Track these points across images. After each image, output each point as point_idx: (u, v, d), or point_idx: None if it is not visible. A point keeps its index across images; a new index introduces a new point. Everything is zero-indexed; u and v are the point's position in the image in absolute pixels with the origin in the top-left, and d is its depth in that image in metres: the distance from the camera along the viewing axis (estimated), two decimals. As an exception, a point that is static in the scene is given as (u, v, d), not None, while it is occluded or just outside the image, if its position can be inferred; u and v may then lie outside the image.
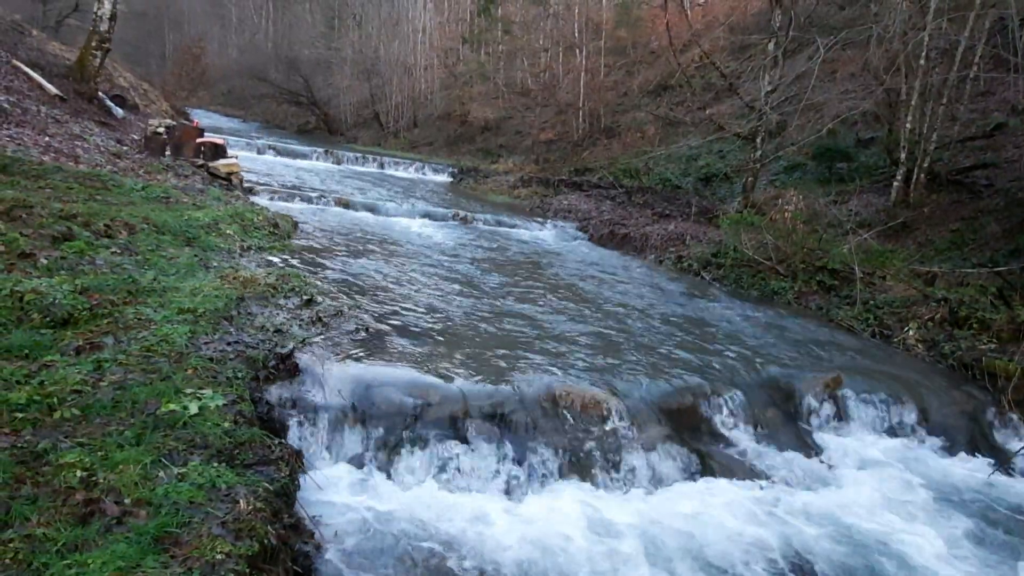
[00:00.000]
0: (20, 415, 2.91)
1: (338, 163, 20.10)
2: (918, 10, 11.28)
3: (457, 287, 7.29)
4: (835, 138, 13.72)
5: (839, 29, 12.82)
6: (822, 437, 5.43)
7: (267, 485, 2.94)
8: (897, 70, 11.29)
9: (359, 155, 21.48)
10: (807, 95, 11.79)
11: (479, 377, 4.61)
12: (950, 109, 11.18)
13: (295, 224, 8.83)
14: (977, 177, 11.08)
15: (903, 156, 11.27)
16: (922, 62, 10.83)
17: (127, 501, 2.53)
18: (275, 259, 6.80)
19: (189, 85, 41.78)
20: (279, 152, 19.48)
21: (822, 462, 5.06)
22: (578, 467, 4.28)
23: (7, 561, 2.14)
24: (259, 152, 18.83)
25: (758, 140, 12.81)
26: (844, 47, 13.29)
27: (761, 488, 4.52)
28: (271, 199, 11.07)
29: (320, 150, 20.74)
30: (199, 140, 11.18)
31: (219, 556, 2.36)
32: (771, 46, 12.69)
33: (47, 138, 8.95)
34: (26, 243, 4.81)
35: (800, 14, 14.80)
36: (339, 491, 3.63)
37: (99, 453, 2.77)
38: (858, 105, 12.70)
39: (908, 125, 11.07)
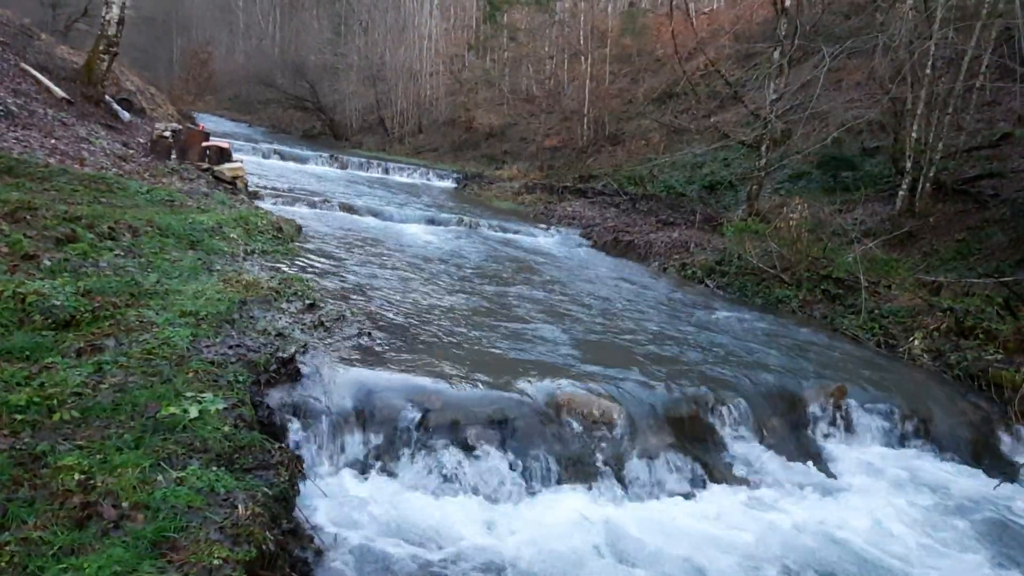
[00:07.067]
0: (20, 417, 2.90)
1: (343, 168, 20.16)
2: (924, 19, 11.27)
3: (460, 293, 7.27)
4: (840, 147, 13.70)
5: (845, 38, 12.82)
6: (826, 447, 5.38)
7: (266, 490, 2.91)
8: (903, 79, 11.28)
9: (364, 160, 21.53)
10: (812, 104, 11.78)
11: (481, 383, 4.59)
12: (956, 119, 11.16)
13: (299, 228, 8.83)
14: (983, 187, 11.04)
15: (908, 165, 11.25)
16: (928, 71, 10.82)
17: (125, 505, 2.51)
18: (278, 263, 6.80)
19: (196, 89, 42.06)
20: (284, 156, 19.54)
21: (826, 472, 5.02)
22: (580, 474, 4.25)
23: (3, 564, 2.12)
24: (264, 156, 18.89)
25: (763, 148, 12.79)
26: (850, 56, 13.29)
27: (764, 498, 4.47)
28: (275, 203, 11.08)
29: (325, 155, 20.79)
30: (205, 144, 11.21)
31: (217, 561, 2.34)
32: (776, 55, 12.70)
33: (53, 141, 8.98)
34: (30, 245, 4.81)
35: (806, 23, 14.84)
36: (339, 496, 3.60)
37: (98, 456, 2.76)
38: (863, 114, 12.69)
39: (914, 134, 11.05)
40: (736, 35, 19.42)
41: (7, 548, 2.18)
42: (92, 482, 2.58)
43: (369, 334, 5.10)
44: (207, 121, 25.54)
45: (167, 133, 10.90)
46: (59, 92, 11.16)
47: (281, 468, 3.15)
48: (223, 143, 12.12)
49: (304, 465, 3.56)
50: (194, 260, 5.75)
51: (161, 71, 41.42)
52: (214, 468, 2.90)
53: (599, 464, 4.34)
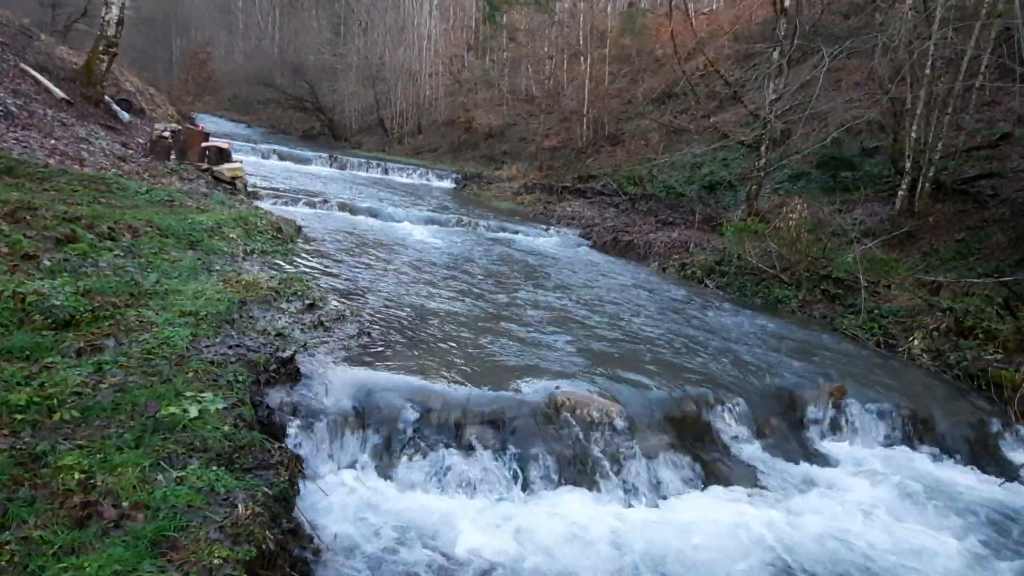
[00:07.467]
0: (20, 417, 2.90)
1: (342, 168, 20.16)
2: (923, 19, 11.28)
3: (459, 293, 7.27)
4: (840, 147, 13.71)
5: (844, 38, 12.84)
6: (826, 447, 5.39)
7: (266, 489, 2.91)
8: (902, 79, 11.28)
9: (363, 160, 21.53)
10: (812, 104, 11.79)
11: (480, 383, 4.59)
12: (955, 119, 11.16)
13: (298, 228, 8.83)
14: (982, 187, 11.05)
15: (908, 165, 11.25)
16: (927, 71, 10.83)
17: (125, 504, 2.51)
18: (278, 263, 6.80)
19: (195, 90, 42.08)
20: (283, 157, 19.54)
21: (826, 471, 5.02)
22: (580, 474, 4.25)
23: (3, 564, 2.12)
24: (264, 157, 18.90)
25: (762, 148, 12.80)
26: (849, 56, 13.28)
27: (764, 498, 4.47)
28: (275, 203, 11.08)
29: (324, 155, 20.79)
30: (204, 144, 11.22)
31: (217, 561, 2.34)
32: (776, 55, 12.71)
33: (53, 141, 8.98)
34: (29, 245, 4.81)
35: (805, 23, 14.84)
36: (339, 496, 3.60)
37: (98, 455, 2.76)
38: (863, 114, 12.69)
39: (913, 134, 11.06)
40: (735, 35, 19.42)
41: (7, 547, 2.18)
42: (92, 481, 2.58)
43: (369, 334, 5.10)
44: (206, 121, 25.55)
45: (166, 133, 10.90)
46: (59, 92, 11.16)
47: (281, 468, 3.15)
48: (222, 143, 12.13)
49: (304, 465, 3.56)
50: (194, 260, 5.75)
51: (160, 71, 41.46)
52: (214, 468, 2.90)
53: (599, 464, 4.34)
